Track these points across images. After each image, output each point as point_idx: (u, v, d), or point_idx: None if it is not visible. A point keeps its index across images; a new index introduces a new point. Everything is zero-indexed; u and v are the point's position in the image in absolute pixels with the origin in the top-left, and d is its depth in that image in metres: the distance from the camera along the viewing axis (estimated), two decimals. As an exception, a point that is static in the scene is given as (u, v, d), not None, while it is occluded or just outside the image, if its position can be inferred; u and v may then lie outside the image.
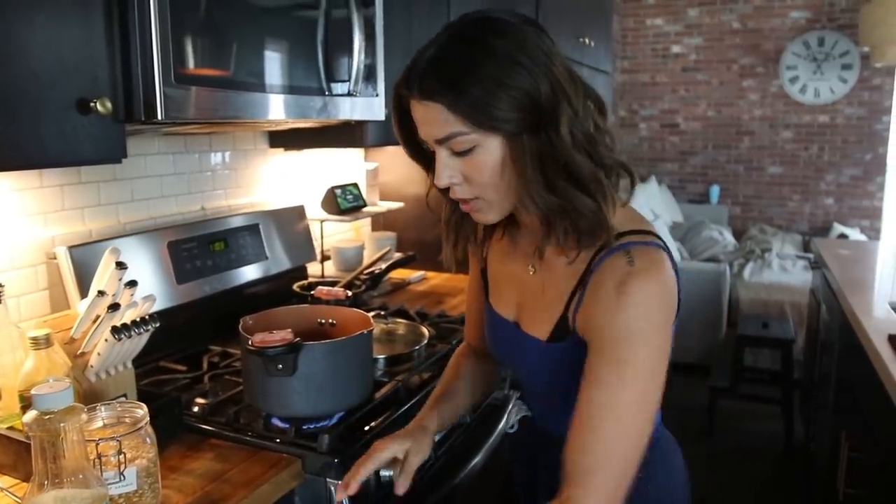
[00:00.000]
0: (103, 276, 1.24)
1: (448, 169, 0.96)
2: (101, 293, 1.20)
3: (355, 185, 2.35)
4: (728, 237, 5.34)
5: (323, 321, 1.45)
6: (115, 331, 1.17)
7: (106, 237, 1.60)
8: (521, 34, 0.92)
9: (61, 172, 1.54)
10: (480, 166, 0.94)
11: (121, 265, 1.23)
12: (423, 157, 1.07)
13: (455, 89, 0.91)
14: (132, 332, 1.19)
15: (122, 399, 1.26)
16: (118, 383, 1.27)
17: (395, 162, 2.64)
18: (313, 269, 2.25)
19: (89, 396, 1.22)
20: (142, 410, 1.04)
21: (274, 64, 1.46)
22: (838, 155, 5.77)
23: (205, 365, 1.56)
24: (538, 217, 0.98)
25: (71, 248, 1.46)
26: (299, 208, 2.15)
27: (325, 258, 2.36)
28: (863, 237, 5.50)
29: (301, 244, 2.11)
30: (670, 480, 1.19)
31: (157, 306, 1.58)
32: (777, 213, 6.06)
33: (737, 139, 6.09)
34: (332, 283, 1.96)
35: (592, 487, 0.92)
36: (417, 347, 1.58)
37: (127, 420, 1.05)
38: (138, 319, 1.21)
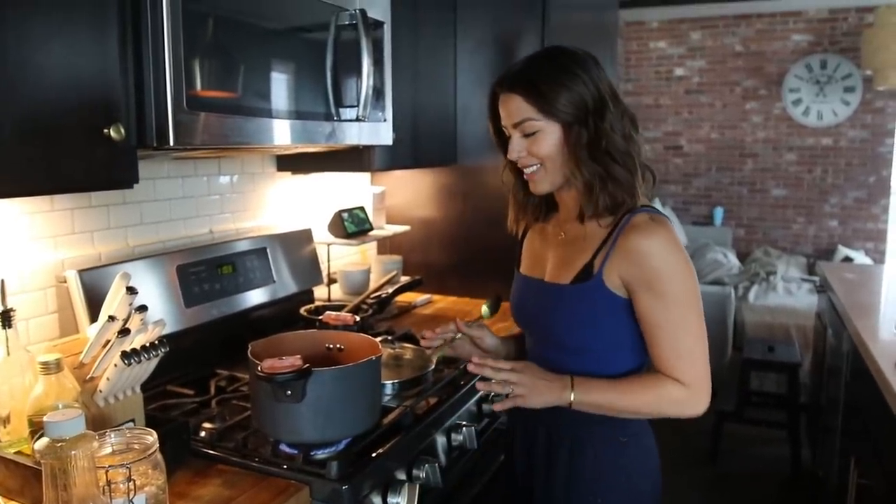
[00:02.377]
0: (114, 301, 1.24)
1: (518, 146, 1.29)
2: (111, 318, 1.20)
3: (362, 209, 2.36)
4: (732, 259, 5.33)
5: (331, 346, 1.45)
6: (125, 356, 1.17)
7: (115, 261, 1.61)
8: (583, 58, 1.28)
9: (72, 196, 1.55)
10: (542, 145, 1.27)
11: (131, 290, 1.23)
12: (503, 142, 1.35)
13: (530, 85, 1.25)
14: (142, 358, 1.19)
15: (131, 425, 1.26)
16: (126, 408, 1.27)
17: (401, 185, 2.66)
18: (320, 292, 2.26)
19: (97, 422, 1.22)
20: (151, 437, 1.04)
21: (283, 89, 1.48)
22: (842, 177, 5.78)
23: (212, 389, 1.56)
24: (581, 187, 1.28)
25: (81, 271, 1.47)
26: (306, 232, 2.16)
27: (331, 281, 2.36)
28: (868, 260, 5.49)
29: (308, 268, 2.12)
30: (645, 457, 1.38)
31: (166, 330, 1.59)
32: (781, 236, 6.06)
33: (740, 161, 6.11)
34: (339, 307, 1.96)
35: (692, 373, 1.24)
36: (425, 372, 1.57)
37: (136, 446, 1.04)
38: (147, 344, 1.22)
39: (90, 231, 1.61)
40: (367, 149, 1.97)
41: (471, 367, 1.30)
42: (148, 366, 1.24)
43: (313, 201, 2.31)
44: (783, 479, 3.36)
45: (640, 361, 1.35)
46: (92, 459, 0.85)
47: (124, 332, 1.18)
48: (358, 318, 1.51)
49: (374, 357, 1.28)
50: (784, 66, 5.82)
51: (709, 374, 1.27)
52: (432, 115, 2.35)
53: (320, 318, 1.52)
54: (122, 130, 1.19)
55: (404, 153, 2.16)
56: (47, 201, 1.50)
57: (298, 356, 1.19)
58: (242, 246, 1.89)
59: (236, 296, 1.80)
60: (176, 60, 1.22)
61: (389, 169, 2.27)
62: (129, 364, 1.17)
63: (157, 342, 1.24)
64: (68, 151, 1.13)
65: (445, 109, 2.45)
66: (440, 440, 1.52)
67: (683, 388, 1.25)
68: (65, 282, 1.46)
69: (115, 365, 1.18)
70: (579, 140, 1.24)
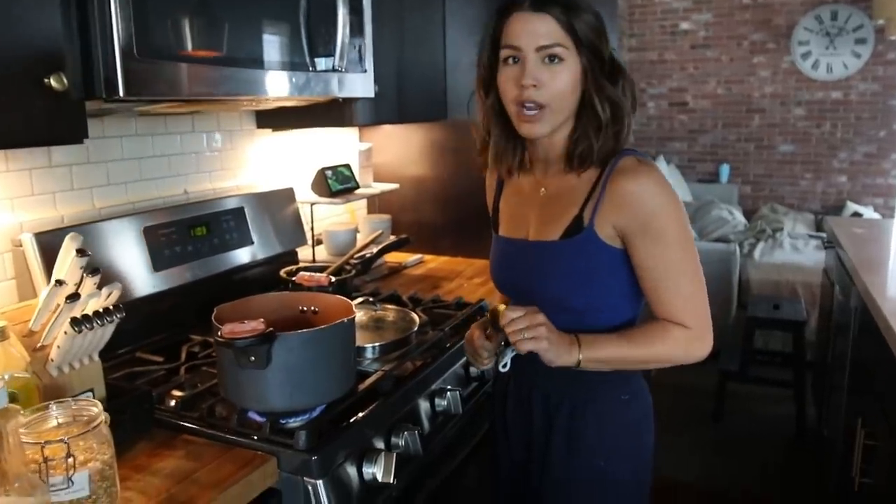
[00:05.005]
0: (63, 265, 1.16)
1: (535, 73, 1.16)
2: (59, 282, 1.12)
3: (347, 167, 2.26)
4: (738, 217, 5.21)
5: (305, 309, 1.37)
6: (75, 322, 1.09)
7: (80, 222, 1.52)
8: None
9: (28, 155, 1.46)
10: (561, 77, 1.17)
11: (82, 252, 1.15)
12: (491, 75, 1.25)
13: (571, 10, 1.17)
14: (94, 324, 1.11)
15: (89, 395, 1.19)
16: (83, 378, 1.19)
17: (390, 142, 2.55)
18: (305, 253, 2.17)
19: (51, 392, 1.15)
20: (96, 408, 0.96)
21: (251, 36, 1.37)
22: (851, 132, 5.62)
23: (183, 355, 1.48)
24: (571, 131, 1.22)
25: (38, 234, 1.38)
26: (288, 191, 2.07)
27: (317, 242, 2.28)
28: (877, 216, 5.37)
29: (290, 228, 2.03)
30: (645, 415, 1.33)
31: (134, 294, 1.51)
32: (788, 192, 5.93)
33: (747, 117, 5.95)
34: (322, 269, 1.88)
35: (696, 315, 1.20)
36: (408, 334, 1.50)
37: (84, 418, 0.97)
38: (101, 310, 1.14)
39: (51, 192, 1.52)
40: (348, 102, 1.87)
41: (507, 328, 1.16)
42: (103, 332, 1.17)
43: (296, 159, 2.22)
44: (788, 440, 3.30)
45: (635, 312, 1.28)
46: (17, 435, 0.78)
47: (73, 296, 1.10)
48: (333, 279, 1.42)
49: (345, 319, 1.20)
50: (793, 18, 5.62)
51: (709, 314, 1.22)
52: (419, 68, 2.24)
53: (293, 279, 1.43)
54: (65, 80, 1.09)
55: (389, 107, 2.05)
56: (1, 161, 1.42)
57: (261, 320, 1.11)
58: (219, 206, 1.80)
59: (211, 258, 1.72)
60: (124, 2, 1.12)
61: (373, 124, 2.17)
62: (80, 331, 1.10)
63: (112, 307, 1.16)
64: (3, 104, 1.04)
65: (434, 62, 2.33)
66: (423, 405, 1.45)
67: (689, 332, 1.20)
68: (20, 245, 1.38)
69: (66, 332, 1.10)
70: (597, 80, 1.18)
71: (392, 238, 2.25)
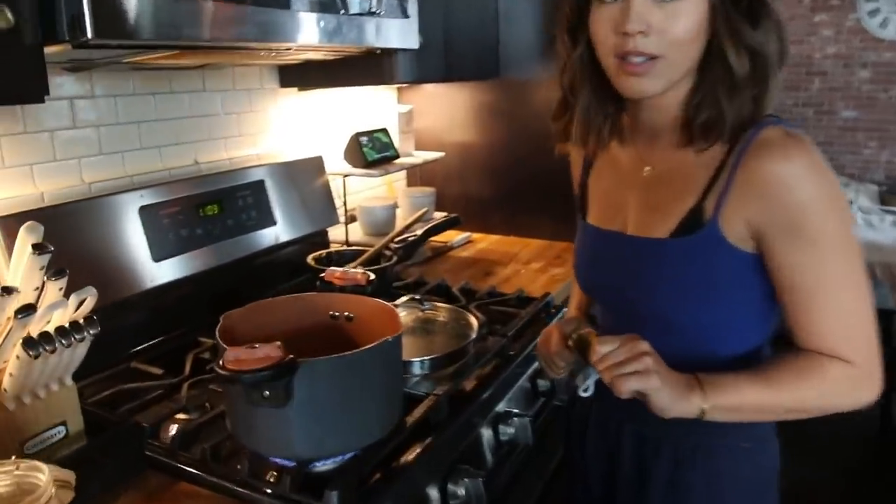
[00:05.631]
0: (19, 265, 0.87)
1: (643, 13, 0.85)
2: (6, 290, 0.83)
3: (385, 132, 1.95)
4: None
5: (336, 314, 1.08)
6: (29, 344, 0.81)
7: (65, 200, 1.24)
8: None
9: (-5, 119, 1.18)
10: (681, 17, 0.85)
11: (40, 248, 0.86)
12: (581, 19, 0.93)
13: None
14: (56, 344, 0.83)
15: (61, 430, 0.92)
16: (52, 408, 0.92)
17: (434, 104, 2.23)
18: (337, 233, 1.88)
19: (9, 429, 0.88)
20: (43, 476, 0.68)
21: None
22: (923, 97, 5.14)
23: (188, 367, 1.20)
24: (691, 91, 0.91)
25: (3, 218, 1.10)
26: (316, 161, 1.77)
27: (351, 220, 1.98)
28: (950, 188, 4.91)
29: (319, 205, 1.74)
30: (770, 467, 1.02)
31: (129, 289, 1.23)
32: (850, 162, 5.46)
33: (807, 80, 5.46)
34: (357, 254, 1.58)
35: (861, 347, 0.87)
36: (465, 343, 1.19)
37: (28, 484, 0.69)
38: (68, 325, 0.85)
39: (27, 164, 1.23)
40: (387, 55, 1.56)
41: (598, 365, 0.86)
42: (73, 353, 0.89)
43: (326, 124, 1.91)
44: (869, 440, 2.97)
45: (764, 338, 0.96)
46: None
47: (25, 309, 0.82)
48: (371, 277, 1.12)
49: (390, 338, 0.90)
50: (863, -31, 5.12)
51: (877, 343, 0.88)
52: (470, 17, 1.91)
53: (322, 275, 1.14)
54: (10, 15, 0.80)
55: (434, 62, 1.74)
56: (-39, 125, 1.14)
57: (277, 344, 0.82)
58: (234, 179, 1.51)
59: (224, 243, 1.43)
60: None
61: (416, 82, 1.85)
62: (37, 355, 0.82)
63: (83, 321, 0.87)
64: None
65: (485, 12, 2.00)
66: (485, 434, 1.15)
67: (852, 369, 0.86)
68: (-18, 232, 1.10)
69: (18, 357, 0.82)
70: (730, 20, 0.85)
71: (438, 216, 1.94)
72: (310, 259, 1.52)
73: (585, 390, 0.94)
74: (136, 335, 1.26)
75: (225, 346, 0.88)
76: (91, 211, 1.22)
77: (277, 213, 1.59)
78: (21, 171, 1.23)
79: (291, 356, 0.81)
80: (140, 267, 1.26)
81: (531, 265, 1.91)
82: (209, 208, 1.41)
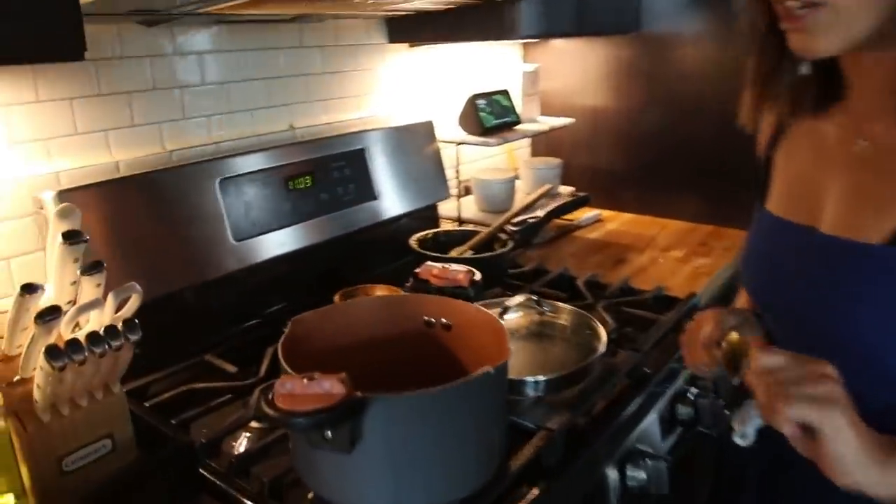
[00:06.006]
0: (51, 256, 0.73)
1: None
2: (27, 288, 0.69)
3: (506, 95, 1.72)
4: None
5: (432, 321, 0.88)
6: (52, 354, 0.66)
7: (140, 170, 1.11)
8: None
9: (68, 81, 1.05)
10: None
11: (72, 237, 0.71)
12: None
13: None
14: (87, 353, 0.68)
15: (103, 444, 0.78)
16: (95, 418, 0.78)
17: (563, 62, 1.97)
18: (447, 208, 1.68)
19: (44, 443, 0.75)
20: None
21: None
22: None
23: (264, 365, 1.05)
24: None
25: (65, 192, 0.97)
26: (426, 126, 1.57)
27: (464, 193, 1.78)
28: None
29: (428, 176, 1.54)
30: None
31: (205, 274, 1.09)
32: None
33: None
34: (467, 235, 1.38)
35: None
36: (590, 360, 0.96)
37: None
38: (103, 330, 0.70)
39: (102, 130, 1.11)
40: (510, 4, 1.33)
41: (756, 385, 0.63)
42: (114, 360, 0.74)
43: (438, 84, 1.70)
44: None
45: None
46: None
47: (49, 312, 0.67)
48: (476, 278, 0.91)
49: (490, 370, 0.69)
50: None
51: None
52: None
53: (416, 271, 0.94)
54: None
55: (564, 14, 1.48)
56: (29, 89, 1.01)
57: (342, 377, 0.62)
58: (330, 147, 1.33)
59: (317, 221, 1.26)
60: None
61: (543, 36, 1.60)
62: (61, 367, 0.67)
63: (122, 325, 0.72)
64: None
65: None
66: (610, 477, 0.93)
67: None
68: (42, 208, 0.98)
69: (41, 367, 0.68)
70: None
71: (564, 192, 1.71)
72: (413, 241, 1.33)
73: (743, 437, 0.69)
74: (211, 325, 1.12)
75: (286, 366, 0.70)
76: (166, 183, 1.08)
77: (379, 186, 1.40)
78: (95, 137, 1.10)
79: (358, 394, 0.62)
80: (218, 247, 1.11)
81: (671, 253, 1.63)
82: (300, 181, 1.24)
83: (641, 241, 1.72)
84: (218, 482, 0.81)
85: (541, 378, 0.93)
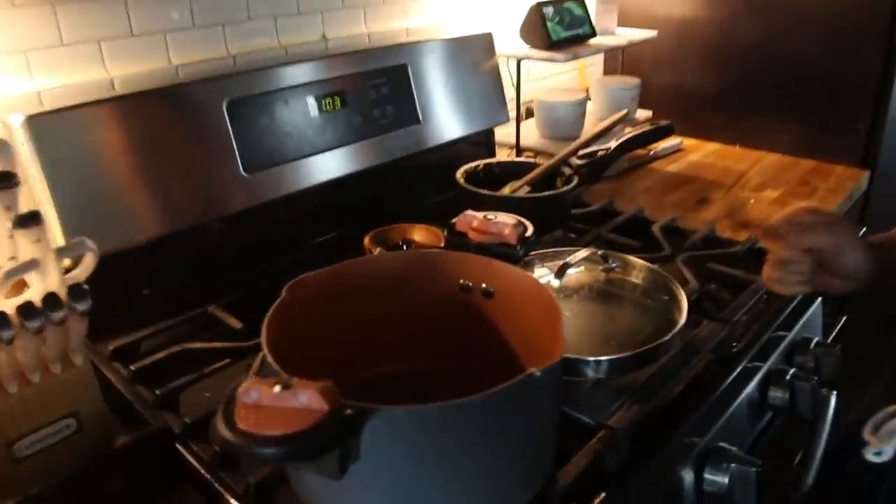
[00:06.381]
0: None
1: None
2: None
3: (579, 2, 1.47)
4: None
5: (469, 285, 0.70)
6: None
7: (140, 89, 0.95)
8: None
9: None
10: None
11: (4, 179, 0.55)
12: None
13: None
14: (13, 330, 0.53)
15: (66, 424, 0.65)
16: (52, 396, 0.65)
17: (647, -37, 1.69)
18: (505, 133, 1.48)
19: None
20: None
21: None
22: None
23: (276, 323, 0.89)
24: None
25: (38, 116, 0.82)
26: (484, 38, 1.34)
27: (525, 116, 1.56)
28: None
29: (483, 96, 1.33)
30: None
31: (211, 212, 0.93)
32: None
33: None
34: (524, 168, 1.18)
35: None
36: (667, 336, 0.77)
37: None
38: (45, 298, 0.55)
39: (94, 41, 0.94)
40: None
41: None
42: (65, 332, 0.59)
43: (500, -11, 1.47)
44: None
45: None
46: None
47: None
48: (528, 234, 0.70)
49: (536, 371, 0.50)
50: None
51: None
52: None
53: (454, 222, 0.75)
54: None
55: None
56: (0, -15, 0.85)
57: (323, 385, 0.45)
58: (367, 62, 1.13)
59: (346, 149, 1.08)
60: None
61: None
62: (-19, 347, 0.52)
63: (71, 290, 0.57)
64: None
65: None
66: (685, 480, 0.75)
67: None
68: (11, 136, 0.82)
69: (-38, 344, 0.54)
70: None
71: (641, 116, 1.47)
72: (459, 174, 1.14)
73: (878, 454, 0.52)
74: (217, 272, 0.97)
75: (269, 355, 0.54)
76: (169, 104, 0.92)
77: (425, 108, 1.21)
78: (86, 49, 0.93)
79: (347, 411, 0.45)
80: (226, 181, 0.94)
81: (765, 192, 1.39)
82: (328, 101, 1.06)
83: (729, 176, 1.48)
84: (204, 471, 0.67)
85: (603, 359, 0.75)
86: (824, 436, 0.92)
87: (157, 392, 0.76)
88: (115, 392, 0.75)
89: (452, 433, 0.50)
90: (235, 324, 0.89)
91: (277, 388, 0.46)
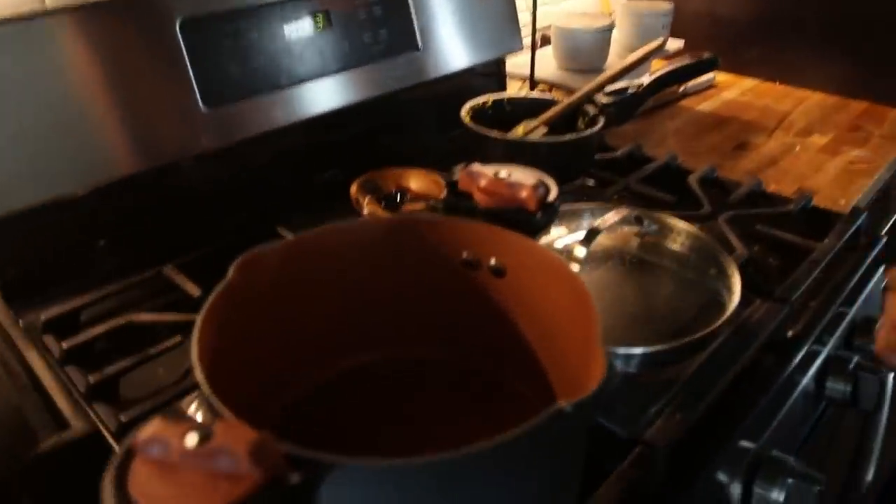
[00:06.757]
0: None
1: None
2: None
3: None
4: None
5: (472, 261, 0.55)
6: None
7: (72, 4, 0.77)
8: None
9: None
10: None
11: None
12: None
13: None
14: None
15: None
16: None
17: None
18: (516, 65, 1.30)
19: None
20: None
21: None
22: None
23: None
24: None
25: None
26: (495, -50, 1.15)
27: (542, 42, 1.38)
28: None
29: (493, 20, 1.14)
30: None
31: (164, 155, 0.78)
32: None
33: None
34: (540, 106, 1.01)
35: None
36: (715, 322, 0.62)
37: None
38: None
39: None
40: None
41: None
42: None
43: None
44: None
45: None
46: None
47: None
48: (552, 196, 0.55)
49: (565, 406, 0.36)
50: None
51: None
52: None
53: (455, 179, 0.59)
54: None
55: None
56: None
57: (258, 440, 0.31)
58: (358, -25, 0.95)
59: (330, 79, 0.91)
60: None
61: None
62: None
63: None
64: None
65: None
66: (733, 494, 0.62)
67: None
68: None
69: None
70: None
71: (673, 47, 1.29)
72: (464, 112, 0.97)
73: None
74: (174, 226, 0.82)
75: (199, 369, 0.39)
76: (111, 22, 0.74)
77: (422, 33, 1.03)
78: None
79: (291, 478, 0.31)
80: (180, 117, 0.78)
81: (811, 138, 1.22)
82: (307, 22, 0.88)
83: (770, 118, 1.31)
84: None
85: (636, 351, 0.60)
86: (882, 428, 0.79)
87: (91, 379, 0.62)
88: (35, 383, 0.61)
89: (442, 494, 0.36)
90: (193, 290, 0.74)
91: (192, 440, 0.31)
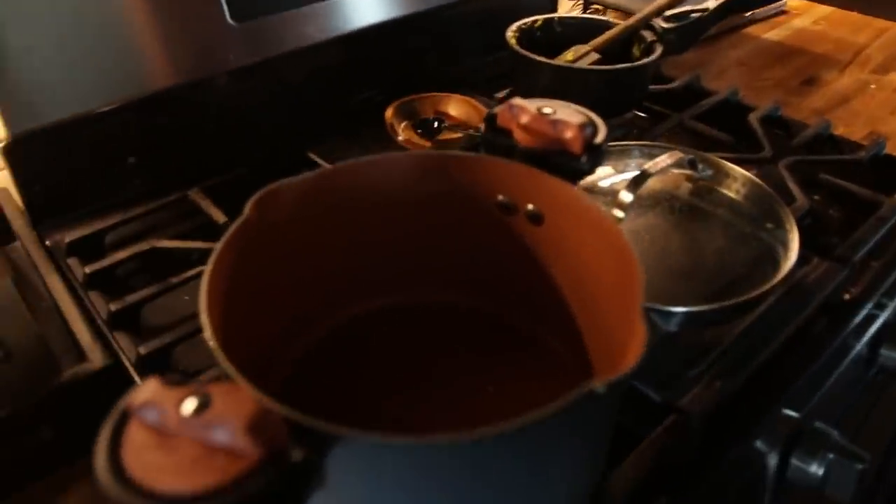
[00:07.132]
0: None
1: None
2: None
3: None
4: None
5: (509, 204, 0.51)
6: None
7: None
8: None
9: None
10: None
11: None
12: None
13: None
14: None
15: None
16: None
17: None
18: (572, -18, 1.21)
19: None
20: None
21: None
22: None
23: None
24: None
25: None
26: None
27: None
28: None
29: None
30: None
31: (194, 71, 0.74)
32: None
33: None
34: (593, 29, 0.94)
35: None
36: (769, 281, 0.58)
37: None
38: None
39: None
40: None
41: None
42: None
43: None
44: None
45: None
46: None
47: None
48: (599, 138, 0.50)
49: (598, 387, 0.32)
50: None
51: None
52: None
53: (494, 112, 0.53)
54: None
55: None
56: None
57: (262, 412, 0.28)
58: None
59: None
60: None
61: None
62: None
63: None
64: None
65: None
66: (770, 465, 0.59)
67: None
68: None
69: None
70: None
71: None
72: (510, 33, 0.90)
73: None
74: (203, 147, 0.79)
75: (205, 313, 0.37)
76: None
77: (474, -55, 0.95)
78: None
79: (294, 457, 0.28)
80: (210, 31, 0.74)
81: (889, 76, 1.13)
82: (348, -71, 0.82)
83: (844, 51, 1.21)
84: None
85: (679, 310, 0.56)
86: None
87: (112, 308, 0.60)
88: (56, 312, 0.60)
89: (464, 474, 0.33)
90: (218, 216, 0.71)
91: (189, 407, 0.29)
